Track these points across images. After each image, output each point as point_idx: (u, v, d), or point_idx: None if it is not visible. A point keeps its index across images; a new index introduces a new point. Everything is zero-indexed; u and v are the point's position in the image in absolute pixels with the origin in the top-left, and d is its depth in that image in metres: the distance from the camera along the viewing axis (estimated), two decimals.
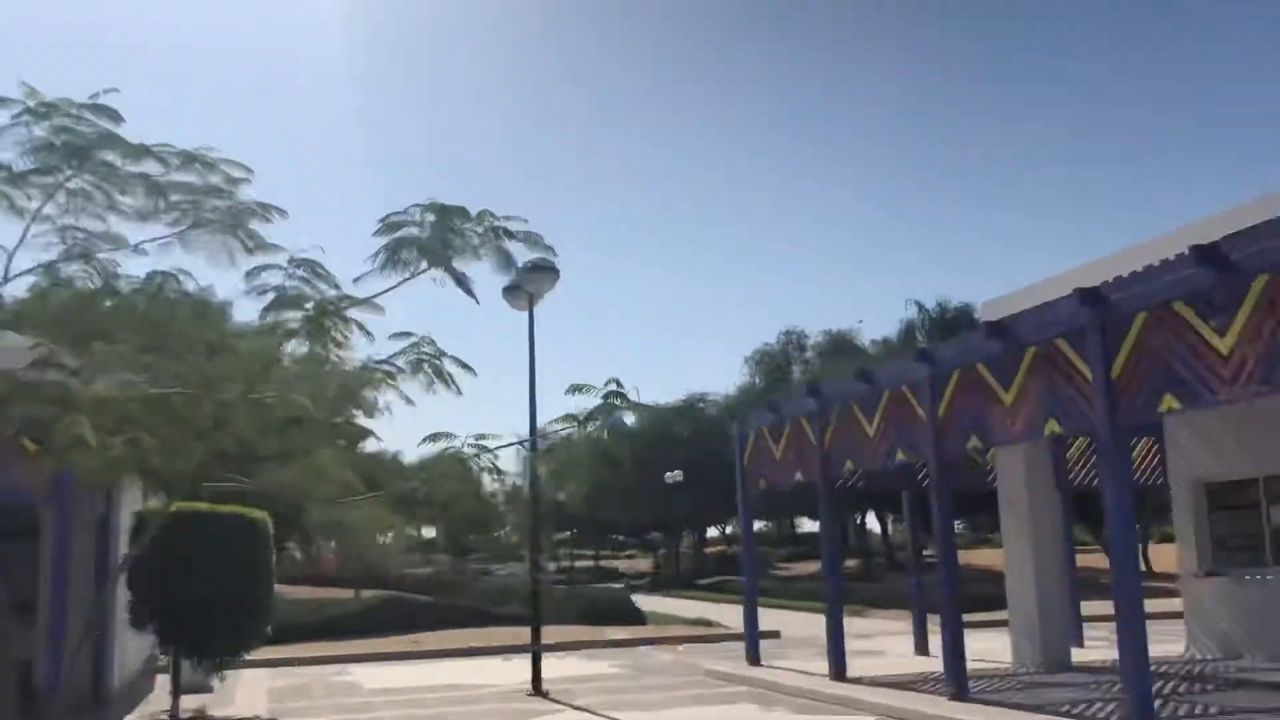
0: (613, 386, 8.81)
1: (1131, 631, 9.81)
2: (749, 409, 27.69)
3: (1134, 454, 20.24)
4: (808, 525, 63.71)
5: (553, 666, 17.39)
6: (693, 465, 46.15)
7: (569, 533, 65.43)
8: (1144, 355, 9.83)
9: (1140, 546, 47.07)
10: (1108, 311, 10.19)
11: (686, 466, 45.91)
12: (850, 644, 20.76)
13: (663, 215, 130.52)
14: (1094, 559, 49.14)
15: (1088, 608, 19.51)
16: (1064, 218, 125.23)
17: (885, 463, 14.25)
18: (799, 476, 16.45)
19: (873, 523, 54.81)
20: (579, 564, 66.76)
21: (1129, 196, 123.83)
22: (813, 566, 47.68)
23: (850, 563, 50.10)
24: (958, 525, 59.90)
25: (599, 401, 8.77)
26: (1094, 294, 10.31)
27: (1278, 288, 8.52)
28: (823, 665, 15.38)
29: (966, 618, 25.04)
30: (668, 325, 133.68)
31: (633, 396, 8.84)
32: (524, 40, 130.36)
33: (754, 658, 17.42)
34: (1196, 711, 10.83)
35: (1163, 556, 39.66)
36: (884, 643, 21.40)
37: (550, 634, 19.24)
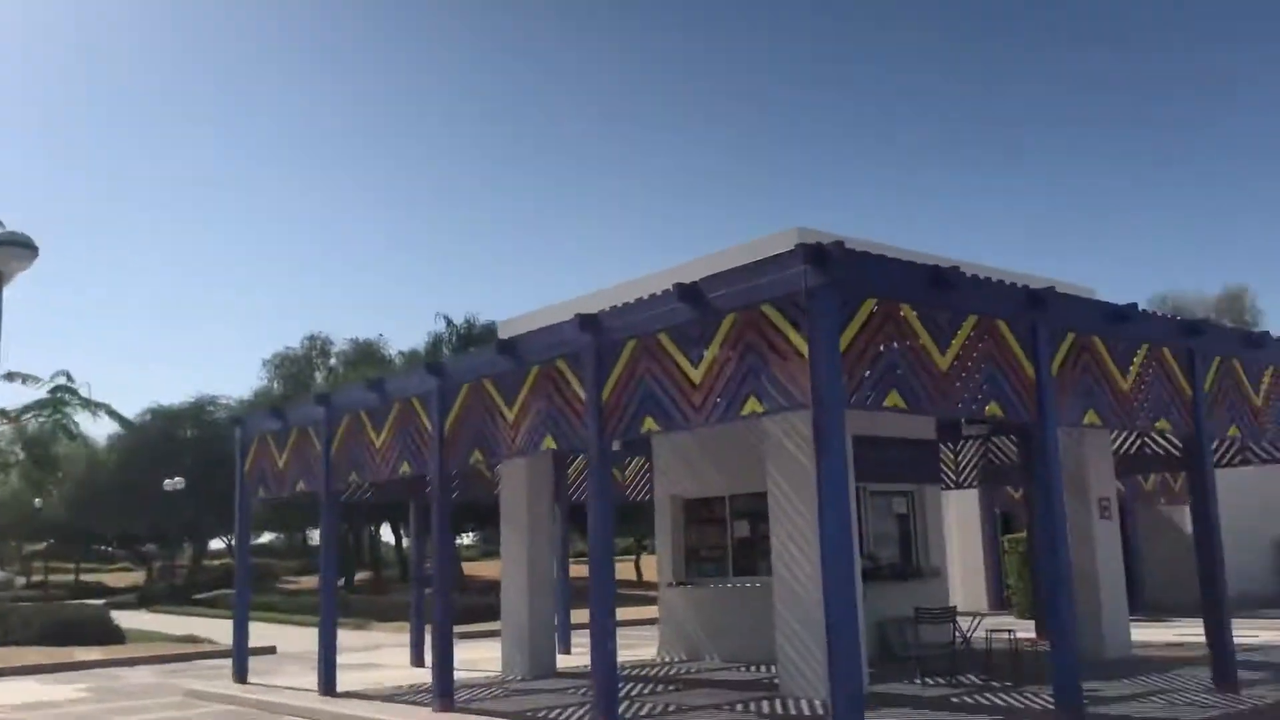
0: (62, 380, 7.88)
1: (602, 638, 10.46)
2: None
3: (629, 471, 21.84)
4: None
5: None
6: (198, 472, 43.19)
7: (45, 543, 58.59)
8: (631, 380, 10.57)
9: (636, 558, 50.93)
10: (603, 337, 10.85)
11: (191, 473, 42.87)
12: (351, 658, 20.48)
13: (175, 216, 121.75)
14: (622, 568, 52.35)
15: (583, 616, 20.62)
16: (605, 240, 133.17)
17: (391, 474, 14.15)
18: (301, 486, 15.88)
19: (388, 535, 54.48)
20: (55, 578, 59.89)
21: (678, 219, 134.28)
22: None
23: (363, 575, 49.42)
24: (471, 537, 61.29)
25: (44, 395, 7.81)
26: (593, 320, 10.93)
27: (745, 325, 9.51)
28: (315, 681, 14.92)
29: (470, 628, 25.86)
30: (180, 322, 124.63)
31: (86, 393, 7.98)
32: None
33: (241, 675, 16.51)
34: (657, 710, 11.76)
35: (654, 567, 43.01)
36: (385, 655, 21.24)
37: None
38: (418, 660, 18.28)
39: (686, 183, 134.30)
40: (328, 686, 14.53)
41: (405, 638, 23.05)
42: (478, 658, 19.09)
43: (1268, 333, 13.86)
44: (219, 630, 27.05)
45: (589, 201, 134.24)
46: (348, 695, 14.22)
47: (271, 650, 23.06)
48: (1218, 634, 11.85)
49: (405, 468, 13.82)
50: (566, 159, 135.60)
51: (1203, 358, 12.35)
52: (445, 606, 12.87)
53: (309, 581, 50.54)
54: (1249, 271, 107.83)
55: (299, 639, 25.11)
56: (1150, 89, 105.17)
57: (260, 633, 27.20)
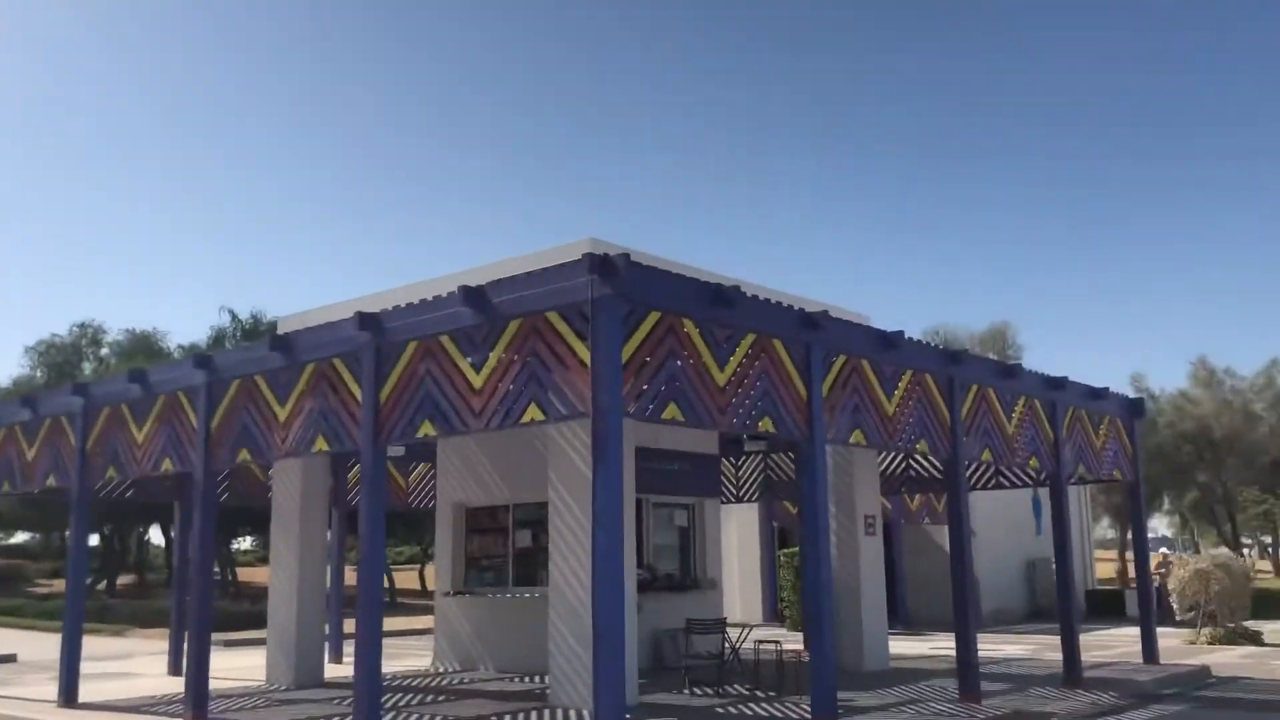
0: None
1: (367, 646, 10.15)
2: None
3: (413, 477, 21.41)
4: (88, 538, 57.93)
5: None
6: None
7: None
8: (411, 382, 10.34)
9: (421, 567, 49.95)
10: (384, 337, 10.57)
11: None
12: (104, 666, 19.23)
13: None
14: (407, 577, 51.15)
15: (386, 623, 20.01)
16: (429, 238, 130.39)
17: (152, 471, 13.36)
18: (52, 481, 14.80)
19: (159, 536, 51.48)
20: None
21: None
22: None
23: (127, 579, 46.54)
24: (249, 542, 58.64)
25: None
26: (373, 319, 10.64)
27: (529, 332, 9.46)
28: (55, 691, 13.89)
29: (243, 635, 24.73)
30: None
31: None
32: None
33: None
34: None
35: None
36: (142, 664, 20.04)
37: None
38: (175, 669, 17.30)
39: (487, 193, 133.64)
40: (68, 697, 13.56)
41: (166, 645, 21.87)
42: (245, 665, 18.27)
43: (1020, 364, 14.85)
44: None
45: (388, 205, 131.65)
46: (90, 707, 13.30)
47: (12, 659, 21.36)
48: (964, 648, 12.55)
49: (168, 465, 13.09)
50: (369, 160, 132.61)
51: (961, 385, 13.10)
52: (203, 611, 12.22)
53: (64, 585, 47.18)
54: (1013, 309, 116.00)
55: (45, 647, 23.35)
56: (936, 128, 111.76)
57: (3, 639, 25.26)
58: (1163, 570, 25.75)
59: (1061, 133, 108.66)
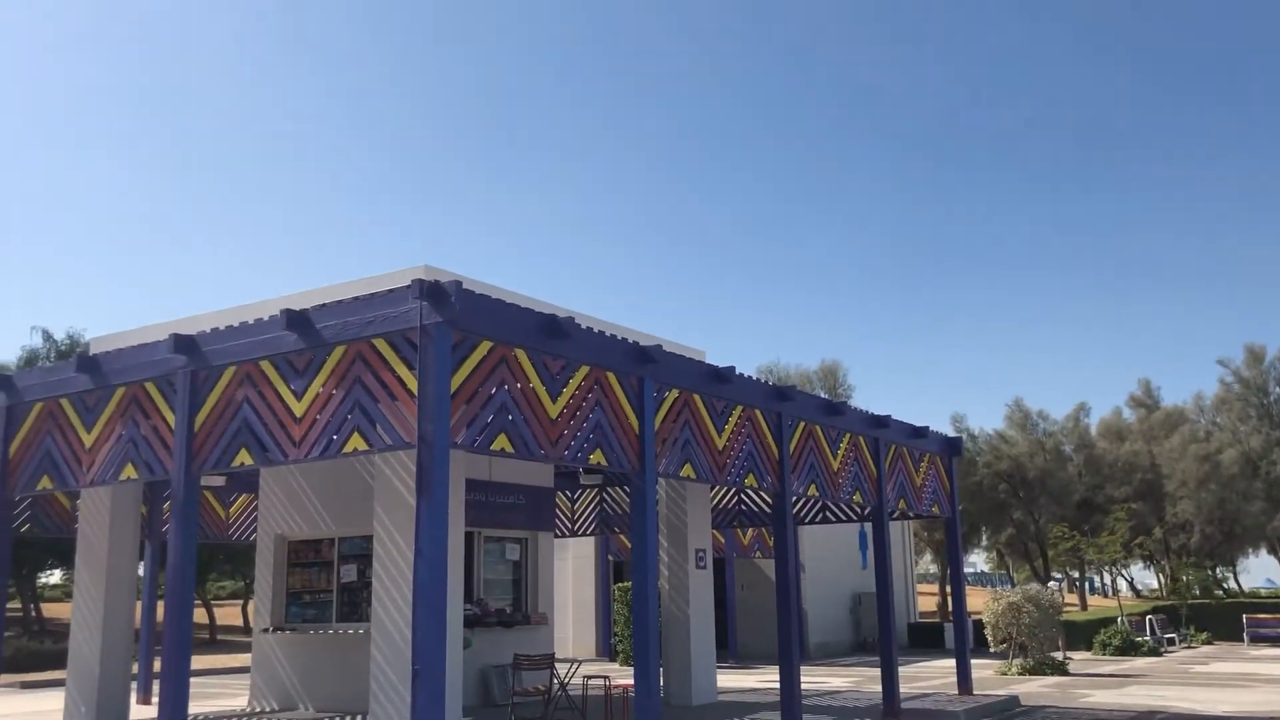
0: None
1: (172, 685, 9.62)
2: None
3: (234, 509, 20.54)
4: None
5: None
6: None
7: None
8: (228, 408, 9.91)
9: (244, 602, 47.94)
10: (200, 361, 10.12)
11: None
12: None
13: None
14: (224, 611, 48.81)
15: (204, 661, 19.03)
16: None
17: None
18: None
19: None
20: None
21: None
22: None
23: None
24: (57, 575, 55.14)
25: None
26: (189, 341, 10.18)
27: (355, 358, 9.19)
28: None
29: (48, 675, 23.18)
30: None
31: None
32: None
33: None
34: None
35: None
36: None
37: None
38: None
39: (322, 220, 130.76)
40: None
41: None
42: (43, 709, 17.12)
43: (846, 402, 15.30)
44: None
45: (220, 225, 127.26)
46: None
47: None
48: (788, 681, 12.74)
49: None
50: (201, 178, 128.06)
51: (789, 421, 13.39)
52: None
53: None
54: (845, 349, 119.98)
55: None
56: (778, 172, 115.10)
57: None
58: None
59: (902, 171, 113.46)
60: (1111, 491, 45.85)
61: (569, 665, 14.70)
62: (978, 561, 76.77)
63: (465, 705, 13.65)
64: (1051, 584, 39.17)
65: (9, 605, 26.14)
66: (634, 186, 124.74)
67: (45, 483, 11.39)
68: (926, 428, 16.78)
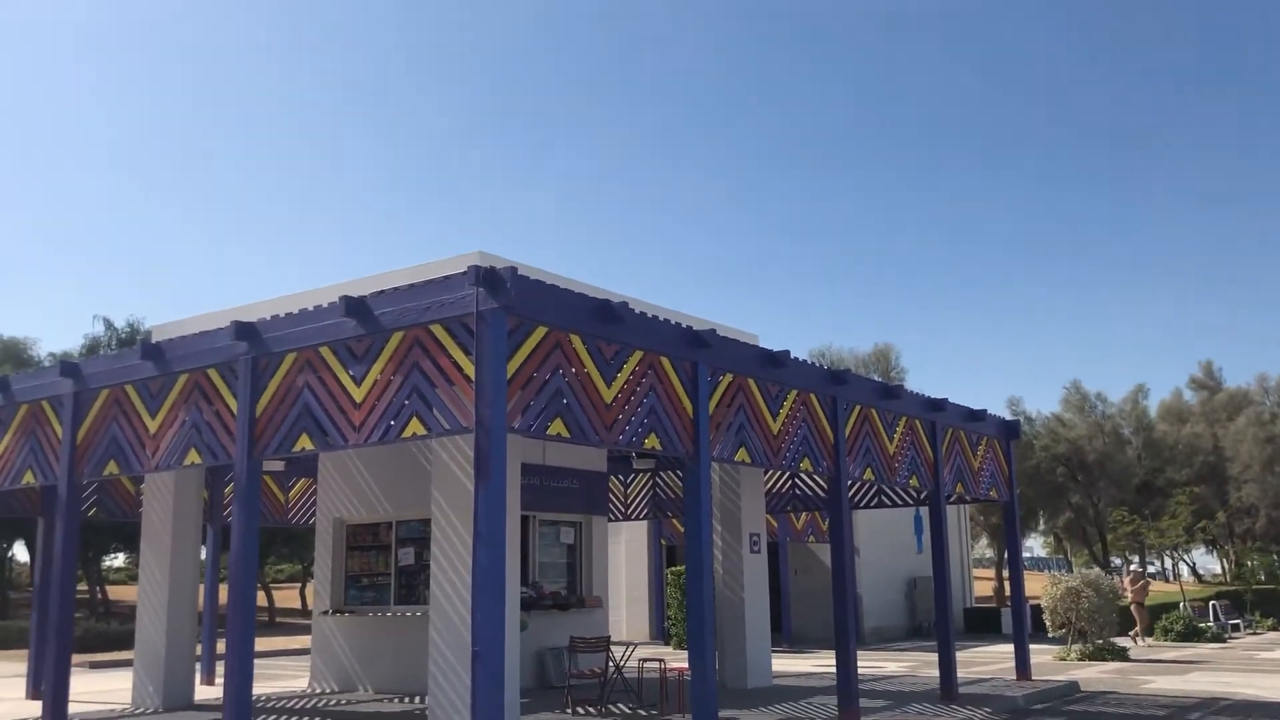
0: None
1: (237, 666, 9.80)
2: None
3: (293, 493, 20.87)
4: None
5: None
6: None
7: None
8: (289, 394, 10.05)
9: (302, 585, 48.76)
10: (261, 348, 10.27)
11: None
12: None
13: None
14: (282, 594, 49.74)
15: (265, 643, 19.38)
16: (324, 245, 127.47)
17: (12, 484, 12.75)
18: None
19: (23, 554, 49.14)
20: None
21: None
22: None
23: None
24: (121, 558, 56.43)
25: None
26: (250, 328, 10.34)
27: (412, 344, 9.28)
28: None
29: (113, 656, 23.75)
30: None
31: None
32: None
33: None
34: None
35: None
36: (0, 686, 19.05)
37: None
38: (36, 692, 16.50)
39: (378, 207, 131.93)
40: None
41: (25, 667, 20.91)
42: (113, 688, 17.55)
43: (902, 385, 15.17)
44: None
45: (274, 213, 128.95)
46: None
47: None
48: (844, 665, 12.71)
49: (30, 478, 12.50)
50: (258, 168, 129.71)
51: (845, 405, 13.31)
52: (63, 631, 11.67)
53: None
54: (897, 332, 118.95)
55: None
56: (826, 154, 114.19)
57: None
58: (1136, 585, 26.36)
59: (948, 159, 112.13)
60: (1172, 475, 45.12)
61: (624, 648, 14.76)
62: (1034, 546, 75.87)
63: (522, 687, 13.78)
64: (1134, 566, 38.28)
65: (78, 587, 26.81)
66: (683, 170, 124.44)
67: (112, 468, 11.63)
68: (984, 410, 16.60)
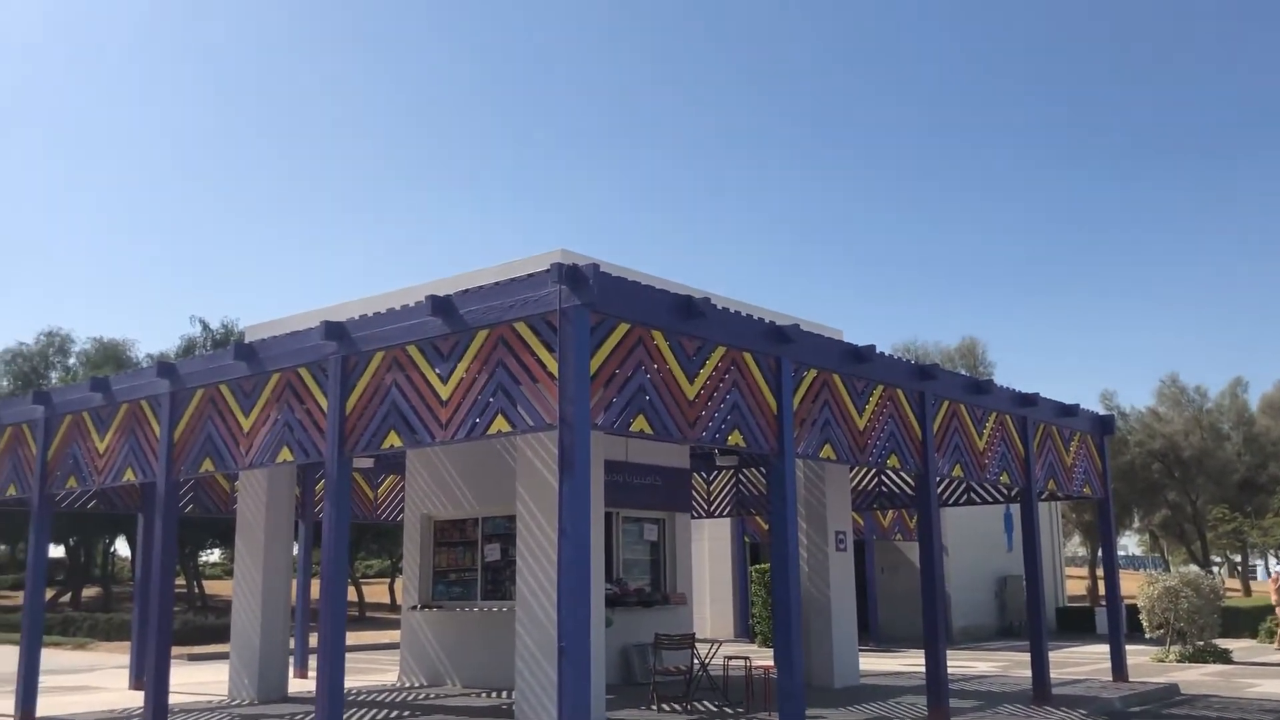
0: None
1: (329, 660, 9.98)
2: None
3: (381, 490, 21.21)
4: (50, 550, 57.01)
5: None
6: None
7: None
8: (377, 393, 10.20)
9: (391, 580, 49.61)
10: (350, 347, 10.43)
11: None
12: (65, 679, 18.94)
13: None
14: (377, 591, 50.68)
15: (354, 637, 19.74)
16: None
17: (114, 481, 13.14)
18: (12, 491, 14.54)
19: (125, 549, 50.80)
20: None
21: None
22: (47, 595, 42.87)
23: (92, 590, 45.96)
24: (216, 553, 58.03)
25: None
26: (339, 328, 10.50)
27: (497, 342, 9.36)
28: (12, 706, 13.63)
29: (208, 649, 24.44)
30: None
31: None
32: None
33: None
34: None
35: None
36: (104, 677, 19.73)
37: None
38: (138, 683, 17.02)
39: (462, 206, 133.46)
40: (26, 711, 13.30)
41: (128, 658, 21.59)
42: (209, 680, 18.05)
43: (991, 380, 14.85)
44: None
45: (365, 214, 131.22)
46: None
47: None
48: (933, 664, 12.49)
49: (130, 475, 12.87)
50: (346, 169, 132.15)
51: (933, 400, 13.08)
52: (163, 625, 11.98)
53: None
54: (984, 325, 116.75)
55: (6, 659, 22.99)
56: (910, 147, 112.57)
57: None
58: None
59: (1033, 151, 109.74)
60: (1276, 471, 43.51)
61: (709, 645, 14.72)
62: (1129, 544, 73.93)
63: (608, 683, 13.82)
64: (1278, 568, 36.11)
65: (175, 581, 27.62)
66: (765, 165, 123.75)
67: (207, 465, 11.93)
68: (1077, 405, 16.19)
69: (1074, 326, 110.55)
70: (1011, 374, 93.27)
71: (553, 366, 8.81)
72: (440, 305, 9.69)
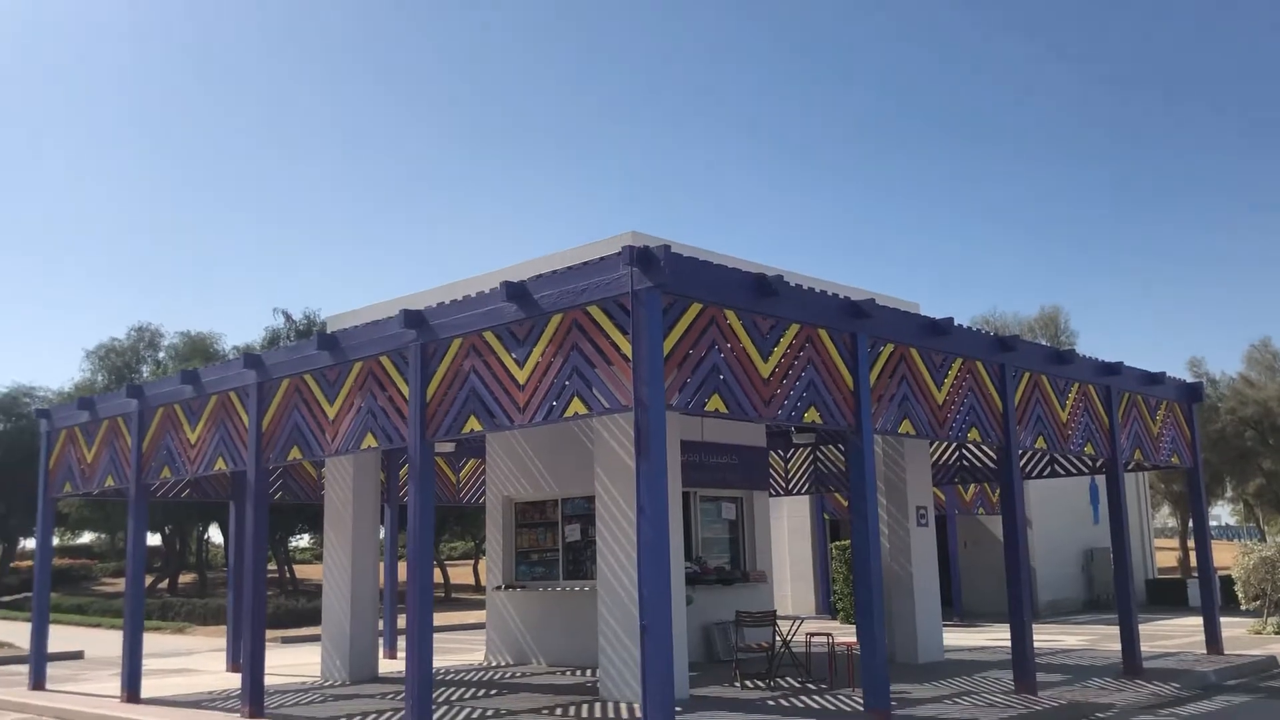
0: None
1: (417, 641, 10.20)
2: None
3: (463, 473, 21.54)
4: (150, 538, 58.89)
5: None
6: (9, 468, 40.69)
7: None
8: (456, 378, 10.38)
9: (475, 561, 50.38)
10: (428, 334, 10.62)
11: (2, 467, 40.35)
12: (166, 663, 19.61)
13: None
14: (461, 572, 51.58)
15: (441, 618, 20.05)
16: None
17: (206, 470, 13.55)
18: (111, 482, 15.08)
19: (218, 536, 52.31)
20: None
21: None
22: (146, 581, 44.37)
23: (188, 577, 47.44)
24: (307, 539, 59.44)
25: None
26: (418, 316, 10.70)
27: (571, 326, 9.45)
28: (118, 687, 14.18)
29: (300, 632, 25.09)
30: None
31: None
32: None
33: (38, 682, 15.57)
34: (474, 715, 11.55)
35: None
36: (202, 660, 20.38)
37: None
38: (235, 665, 17.56)
39: (533, 190, 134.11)
40: (131, 692, 13.81)
41: (225, 641, 22.27)
42: (302, 662, 18.54)
43: (1074, 350, 14.57)
44: (23, 634, 25.51)
45: (439, 203, 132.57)
46: (152, 702, 13.55)
47: (78, 655, 21.90)
48: (1019, 639, 12.36)
49: (221, 464, 13.27)
50: (419, 165, 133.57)
51: (1013, 372, 12.89)
52: (257, 609, 12.35)
53: None
54: (1065, 294, 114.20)
55: (110, 643, 23.86)
56: (983, 113, 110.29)
57: (70, 636, 25.89)
58: None
59: (1111, 112, 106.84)
60: None
61: (791, 622, 14.73)
62: (1221, 514, 71.98)
63: (690, 660, 13.92)
64: None
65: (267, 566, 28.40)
66: (833, 135, 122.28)
67: (295, 453, 12.24)
68: (1163, 373, 15.81)
69: (1159, 294, 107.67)
70: (1095, 343, 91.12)
71: (626, 349, 8.88)
72: (514, 291, 9.81)
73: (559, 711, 11.57)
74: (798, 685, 13.17)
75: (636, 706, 11.60)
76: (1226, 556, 29.57)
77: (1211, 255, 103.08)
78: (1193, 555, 26.79)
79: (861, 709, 10.48)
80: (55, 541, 56.59)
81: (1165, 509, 50.17)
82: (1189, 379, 17.77)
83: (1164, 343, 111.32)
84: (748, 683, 13.31)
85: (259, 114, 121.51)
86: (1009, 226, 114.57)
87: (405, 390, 10.80)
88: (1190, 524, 26.92)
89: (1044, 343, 24.16)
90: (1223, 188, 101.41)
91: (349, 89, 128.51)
